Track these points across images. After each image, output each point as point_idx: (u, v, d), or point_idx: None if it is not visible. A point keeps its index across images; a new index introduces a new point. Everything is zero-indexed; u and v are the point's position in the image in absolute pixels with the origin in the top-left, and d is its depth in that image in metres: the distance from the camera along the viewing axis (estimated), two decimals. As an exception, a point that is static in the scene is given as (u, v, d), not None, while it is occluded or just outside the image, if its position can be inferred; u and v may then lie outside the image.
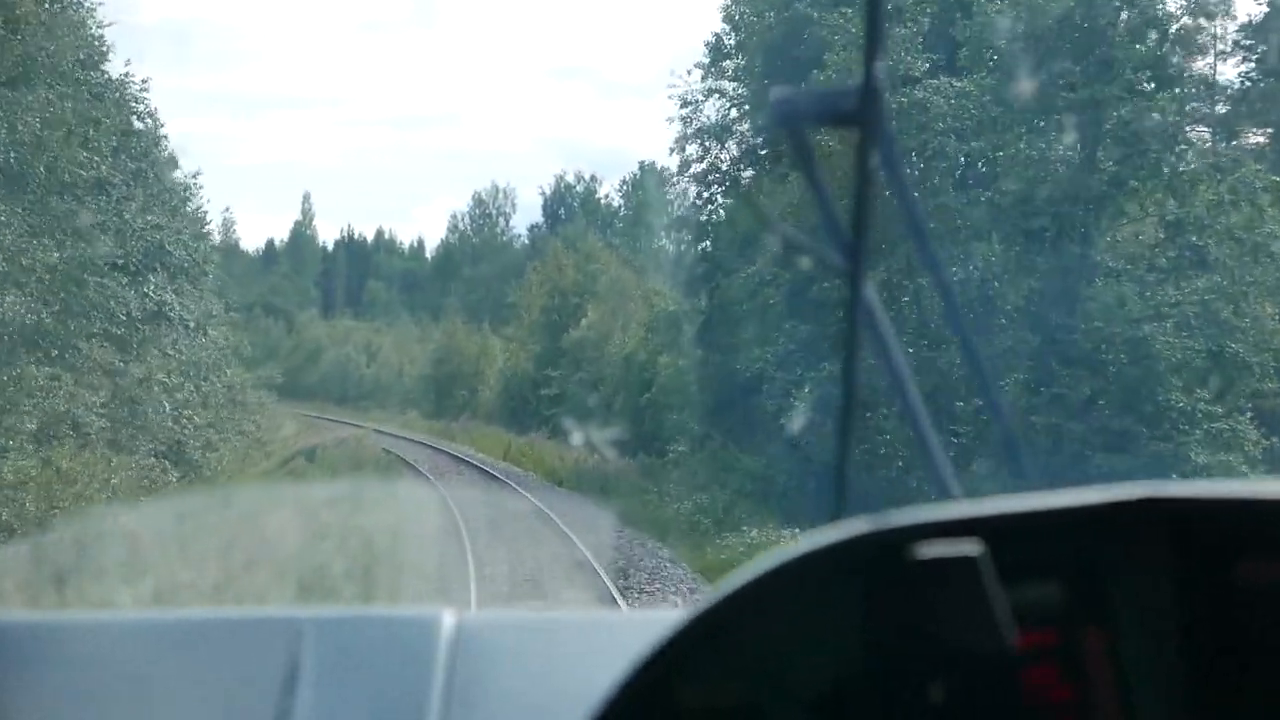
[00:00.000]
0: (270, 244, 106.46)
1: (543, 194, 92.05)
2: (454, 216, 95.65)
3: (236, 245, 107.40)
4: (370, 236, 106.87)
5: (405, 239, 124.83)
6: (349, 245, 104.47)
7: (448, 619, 1.60)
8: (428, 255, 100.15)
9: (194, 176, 35.27)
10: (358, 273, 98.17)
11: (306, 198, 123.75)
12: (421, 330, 70.58)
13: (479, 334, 61.07)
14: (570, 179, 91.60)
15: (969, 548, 0.96)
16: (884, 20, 1.21)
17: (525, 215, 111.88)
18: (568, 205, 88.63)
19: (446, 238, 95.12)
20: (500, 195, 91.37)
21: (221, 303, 35.80)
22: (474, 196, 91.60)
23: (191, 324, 29.26)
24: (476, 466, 34.16)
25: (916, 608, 0.98)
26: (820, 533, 1.02)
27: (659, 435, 31.69)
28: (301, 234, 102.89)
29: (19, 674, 1.55)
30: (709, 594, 1.03)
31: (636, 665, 1.02)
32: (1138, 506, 1.04)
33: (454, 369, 56.91)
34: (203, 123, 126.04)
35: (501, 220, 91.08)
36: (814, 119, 1.25)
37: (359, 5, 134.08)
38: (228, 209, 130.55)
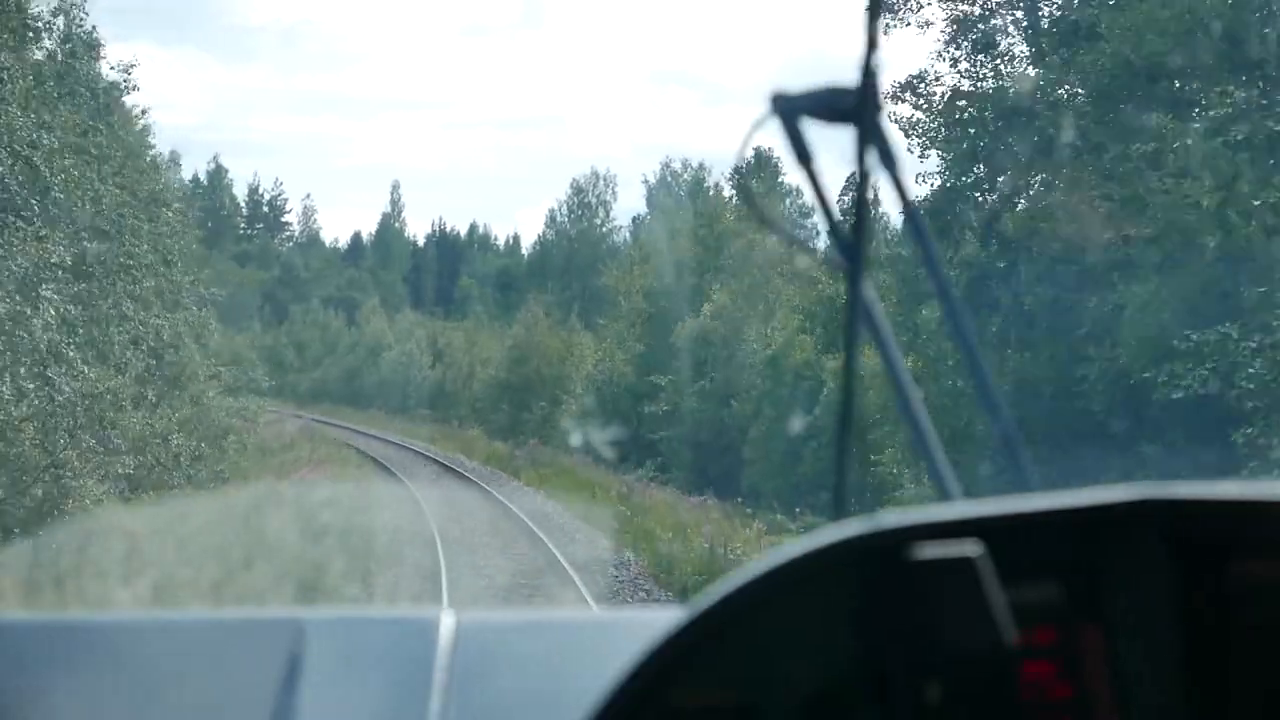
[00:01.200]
0: (356, 237, 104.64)
1: (646, 182, 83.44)
2: (551, 211, 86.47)
3: (317, 236, 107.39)
4: (464, 231, 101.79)
5: (501, 235, 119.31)
6: (440, 240, 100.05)
7: (447, 619, 1.60)
8: (524, 252, 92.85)
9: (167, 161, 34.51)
10: (449, 270, 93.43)
11: (396, 187, 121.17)
12: (502, 328, 57.73)
13: (564, 330, 48.63)
14: (677, 166, 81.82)
15: (967, 548, 0.96)
16: (882, 18, 1.21)
17: (626, 213, 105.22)
18: (675, 195, 78.90)
19: (543, 233, 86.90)
20: (600, 182, 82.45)
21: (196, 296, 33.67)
22: (572, 184, 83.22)
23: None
24: (551, 551, 18.99)
25: (915, 608, 0.98)
26: (819, 533, 1.02)
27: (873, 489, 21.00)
28: (389, 227, 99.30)
29: (18, 674, 1.55)
30: (707, 594, 1.03)
31: (635, 665, 1.02)
32: (1136, 507, 1.04)
33: (531, 372, 44.92)
34: (308, 122, 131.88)
35: (601, 210, 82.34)
36: (812, 116, 1.25)
37: (464, 9, 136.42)
38: (308, 196, 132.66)
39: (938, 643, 0.99)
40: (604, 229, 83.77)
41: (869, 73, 1.20)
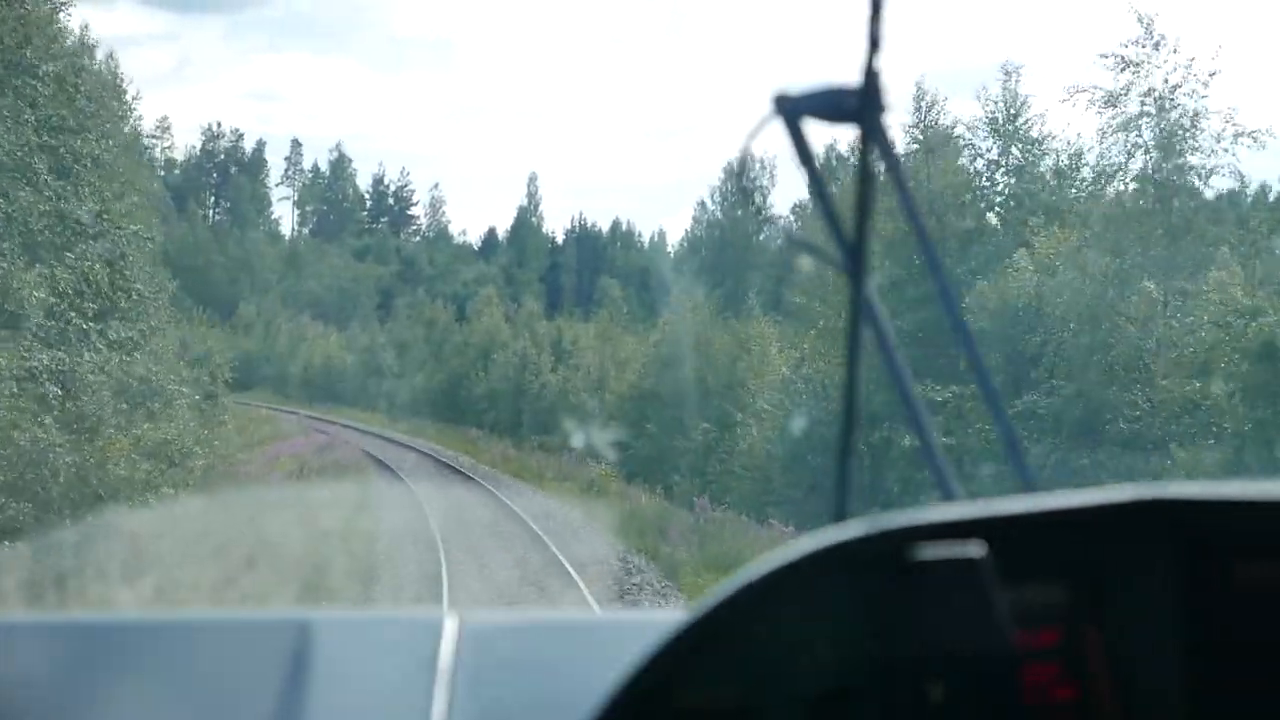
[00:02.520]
0: (491, 233, 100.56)
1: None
2: (700, 205, 76.08)
3: (445, 229, 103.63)
4: (605, 228, 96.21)
5: (645, 232, 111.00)
6: (580, 238, 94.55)
7: (450, 621, 1.59)
8: (669, 251, 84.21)
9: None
10: (589, 269, 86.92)
11: (533, 179, 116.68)
12: (645, 329, 45.31)
13: (737, 319, 36.91)
14: (843, 150, 76.63)
15: (970, 549, 0.96)
16: (885, 18, 1.19)
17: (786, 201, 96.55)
18: (839, 182, 74.54)
19: (691, 229, 77.74)
20: (758, 166, 71.31)
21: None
22: (725, 168, 73.13)
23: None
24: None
25: (917, 608, 0.98)
26: (822, 534, 1.02)
27: None
28: (525, 221, 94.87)
29: (21, 675, 1.56)
30: (710, 595, 1.03)
31: (638, 666, 1.03)
32: (1138, 507, 1.04)
33: (687, 377, 31.69)
34: (455, 126, 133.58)
35: (759, 197, 72.61)
36: (815, 116, 1.24)
37: (611, 17, 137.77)
38: (436, 186, 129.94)
39: (941, 643, 0.99)
40: (761, 216, 74.34)
41: (872, 73, 1.20)
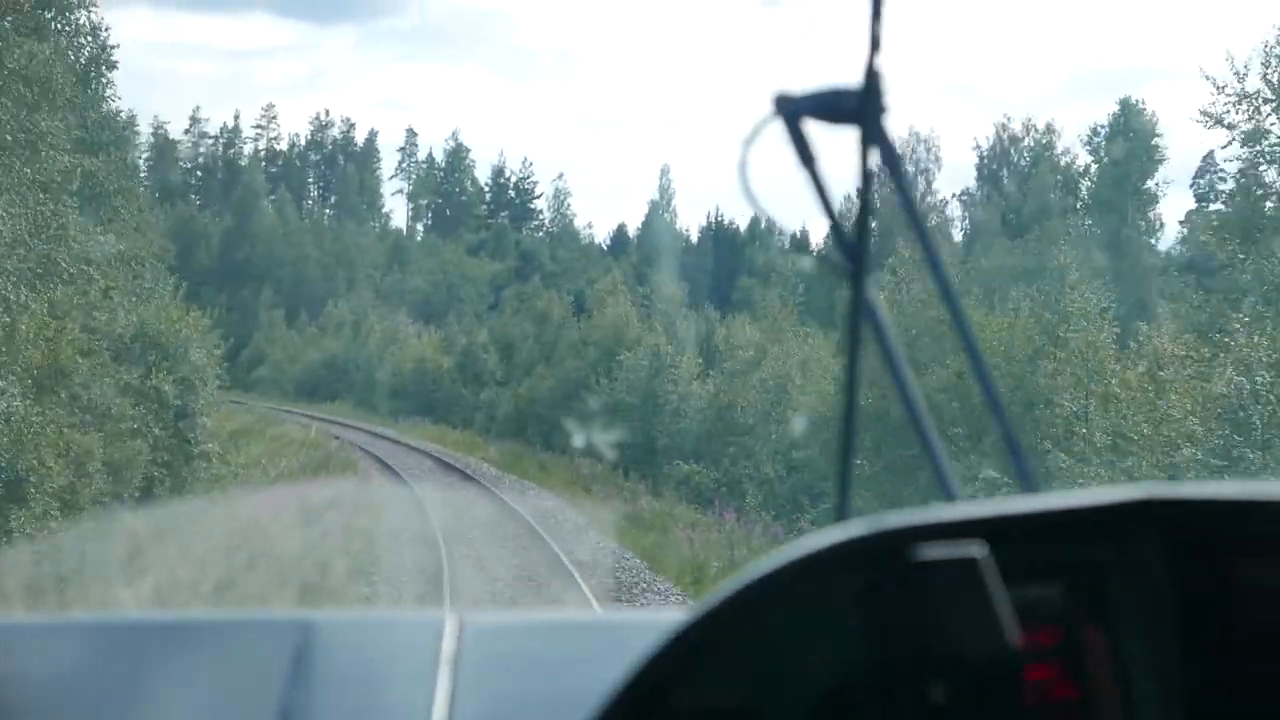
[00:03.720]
0: (621, 229, 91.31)
1: (977, 148, 67.12)
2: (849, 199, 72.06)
3: (569, 224, 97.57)
4: (743, 225, 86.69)
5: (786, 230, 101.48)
6: (717, 235, 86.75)
7: (450, 621, 1.59)
8: (811, 248, 74.12)
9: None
10: (725, 268, 78.14)
11: (665, 171, 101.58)
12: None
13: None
14: (1016, 129, 66.06)
15: (971, 549, 0.96)
16: (884, 19, 1.20)
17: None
18: (1011, 166, 66.00)
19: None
20: (920, 145, 65.52)
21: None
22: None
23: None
24: None
25: (918, 609, 0.99)
26: (822, 534, 1.02)
27: None
28: (658, 217, 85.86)
29: (21, 676, 1.56)
30: (711, 596, 1.04)
31: (638, 667, 1.03)
32: (1138, 507, 1.05)
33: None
34: (581, 132, 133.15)
35: (922, 180, 66.00)
36: (815, 117, 1.25)
37: (741, 15, 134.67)
38: (560, 176, 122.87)
39: (942, 643, 1.00)
40: (926, 202, 64.83)
41: (872, 74, 1.20)
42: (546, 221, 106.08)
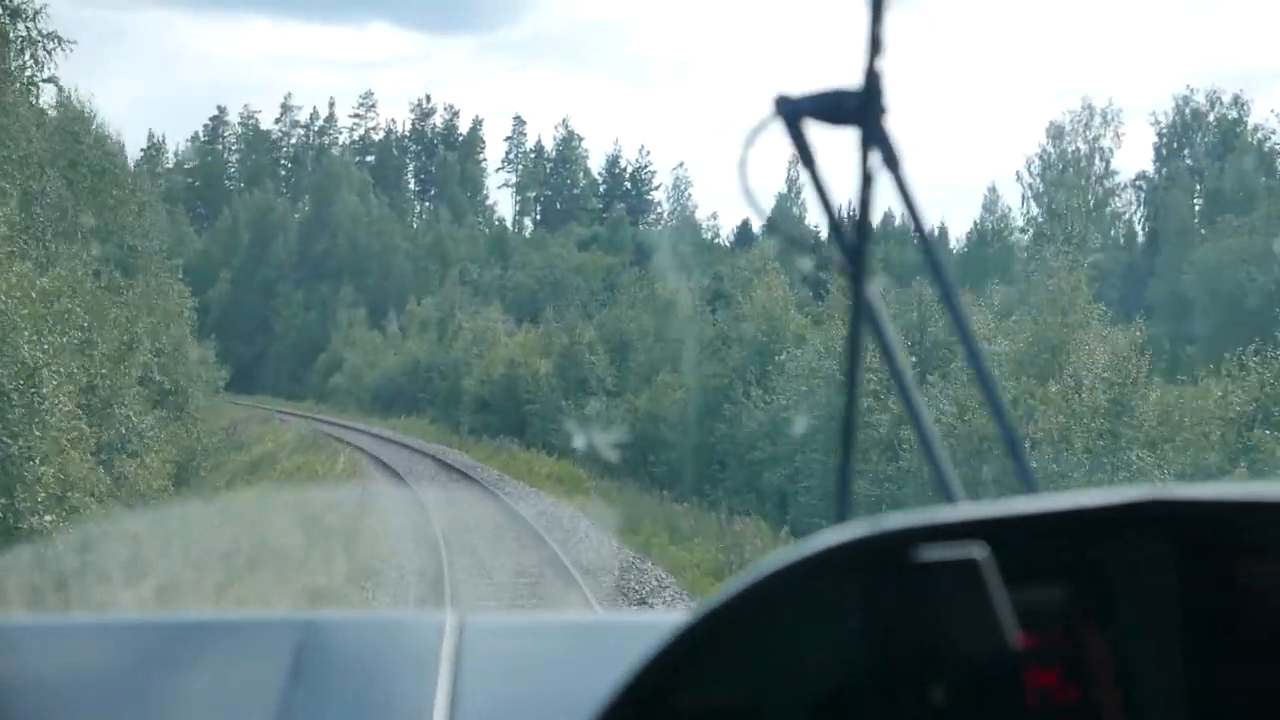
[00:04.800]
0: (745, 224, 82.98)
1: (1155, 123, 58.61)
2: (1018, 173, 59.18)
3: (690, 217, 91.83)
4: (877, 222, 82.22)
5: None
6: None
7: (450, 622, 1.59)
8: (951, 242, 66.53)
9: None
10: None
11: (792, 164, 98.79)
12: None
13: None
14: (1200, 100, 58.06)
15: (972, 550, 0.96)
16: (885, 19, 1.20)
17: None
18: (1194, 144, 57.79)
19: (982, 218, 61.29)
20: (1097, 119, 53.21)
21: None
22: (1050, 128, 53.74)
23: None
24: None
25: (919, 610, 0.98)
26: (823, 535, 1.02)
27: None
28: (786, 209, 77.11)
29: (22, 677, 1.56)
30: (712, 597, 1.03)
31: (639, 668, 1.03)
32: (1140, 508, 1.04)
33: None
34: (702, 138, 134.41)
35: (1098, 161, 53.85)
36: (815, 118, 1.25)
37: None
38: (680, 165, 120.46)
39: (942, 645, 0.99)
40: (1101, 187, 54.77)
41: (873, 75, 1.20)
42: (665, 214, 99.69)
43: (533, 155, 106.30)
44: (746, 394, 27.44)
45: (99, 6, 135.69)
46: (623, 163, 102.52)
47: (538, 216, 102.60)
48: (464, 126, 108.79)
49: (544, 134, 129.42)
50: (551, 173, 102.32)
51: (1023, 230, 54.50)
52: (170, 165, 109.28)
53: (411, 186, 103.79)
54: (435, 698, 1.45)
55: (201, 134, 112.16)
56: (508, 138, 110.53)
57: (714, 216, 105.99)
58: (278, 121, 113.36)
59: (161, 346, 29.25)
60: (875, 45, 1.19)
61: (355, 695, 1.48)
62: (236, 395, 69.43)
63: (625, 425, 32.16)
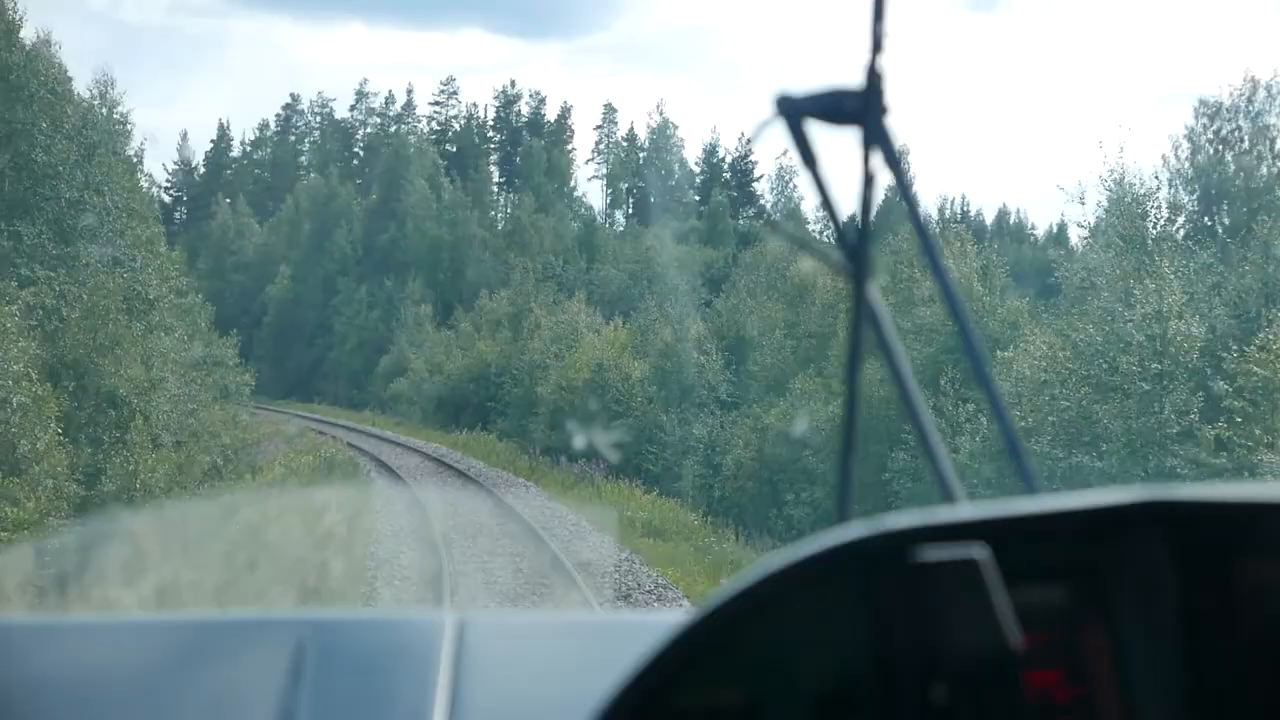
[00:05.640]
0: (851, 219, 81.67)
1: None
2: (1165, 158, 52.73)
3: (795, 210, 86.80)
4: (990, 218, 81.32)
5: (1042, 221, 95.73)
6: (960, 222, 72.71)
7: (450, 621, 1.59)
8: (1072, 241, 57.93)
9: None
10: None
11: (904, 153, 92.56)
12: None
13: None
14: None
15: (973, 551, 0.96)
16: (886, 18, 1.20)
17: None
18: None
19: (1105, 219, 50.32)
20: (1259, 91, 44.68)
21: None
22: (1199, 105, 43.63)
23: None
24: None
25: (920, 611, 0.98)
26: (824, 535, 1.01)
27: None
28: (893, 203, 70.41)
29: (22, 676, 1.56)
30: (713, 596, 1.03)
31: (640, 667, 1.02)
32: (1141, 509, 1.04)
33: None
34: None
35: (1262, 143, 44.76)
36: (817, 118, 1.24)
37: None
38: (784, 153, 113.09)
39: (943, 645, 0.99)
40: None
41: (874, 75, 1.20)
42: (769, 205, 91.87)
43: (625, 144, 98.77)
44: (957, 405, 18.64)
45: (194, 13, 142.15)
46: (721, 152, 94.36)
47: (629, 210, 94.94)
48: (551, 114, 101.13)
49: (637, 123, 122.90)
50: (645, 163, 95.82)
51: (1170, 220, 43.95)
52: (237, 154, 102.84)
53: (495, 178, 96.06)
54: (435, 697, 1.46)
55: (273, 124, 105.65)
56: (597, 126, 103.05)
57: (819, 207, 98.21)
58: (352, 109, 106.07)
59: (99, 340, 21.21)
60: (877, 44, 1.19)
61: (355, 694, 1.48)
62: (293, 405, 61.25)
63: (751, 456, 23.35)
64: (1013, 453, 1.36)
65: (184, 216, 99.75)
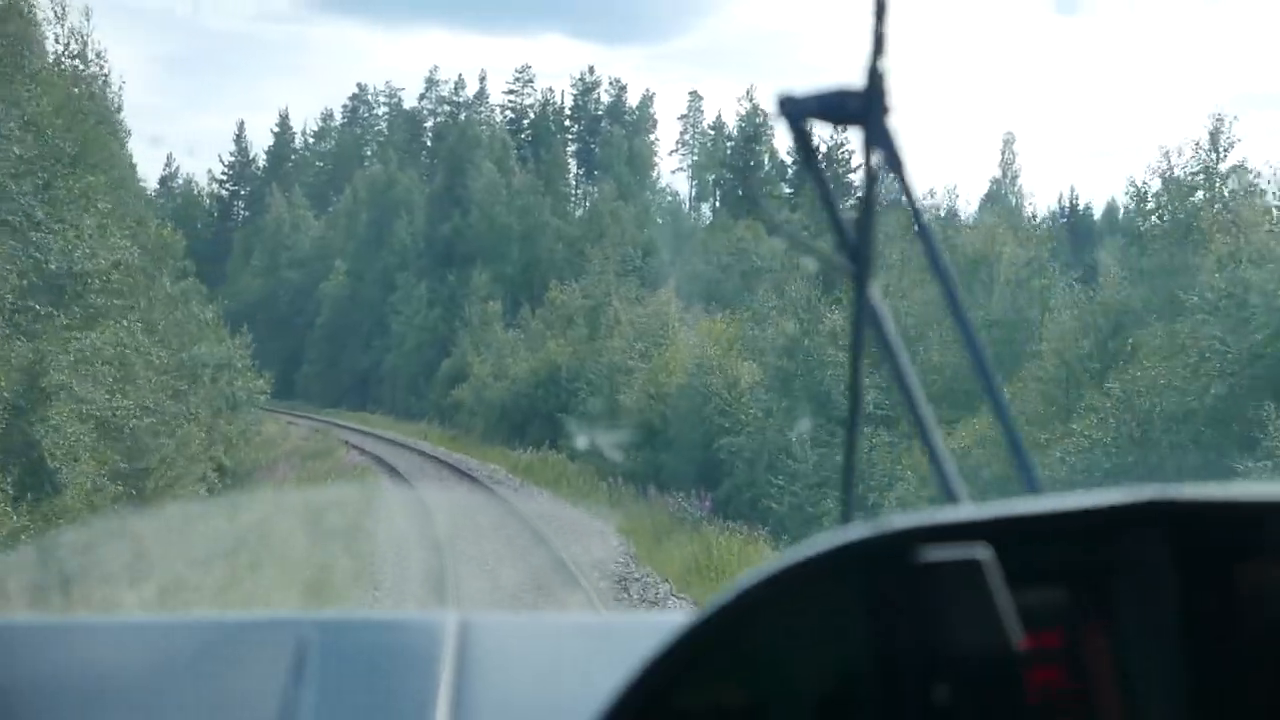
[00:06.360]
0: (952, 211, 77.64)
1: None
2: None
3: (895, 201, 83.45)
4: (1099, 209, 74.76)
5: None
6: (1067, 218, 72.39)
7: (452, 622, 1.59)
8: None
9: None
10: (1080, 261, 58.56)
11: (1009, 142, 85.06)
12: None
13: None
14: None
15: (975, 551, 0.96)
16: (888, 19, 1.20)
17: None
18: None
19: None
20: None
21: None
22: None
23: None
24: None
25: (922, 611, 0.98)
26: (827, 536, 1.01)
27: None
28: (999, 194, 66.08)
29: (25, 677, 1.56)
30: (716, 597, 1.03)
31: (642, 668, 1.02)
32: (1143, 509, 1.04)
33: None
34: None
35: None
36: (819, 118, 1.25)
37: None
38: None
39: (945, 645, 0.99)
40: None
41: (876, 75, 1.20)
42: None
43: (712, 132, 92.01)
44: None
45: (277, 20, 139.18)
46: (815, 140, 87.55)
47: (716, 202, 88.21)
48: (632, 100, 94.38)
49: (725, 111, 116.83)
50: (733, 153, 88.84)
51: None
52: (299, 145, 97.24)
53: (573, 169, 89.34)
54: (438, 697, 1.46)
55: (338, 115, 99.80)
56: (682, 116, 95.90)
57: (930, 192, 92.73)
58: (422, 98, 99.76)
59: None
60: (878, 44, 1.19)
61: (358, 695, 1.49)
62: (341, 414, 54.38)
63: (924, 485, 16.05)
64: (1016, 453, 1.35)
65: (242, 212, 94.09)
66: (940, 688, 1.02)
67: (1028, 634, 0.98)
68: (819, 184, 1.31)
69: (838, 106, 1.22)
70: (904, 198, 1.32)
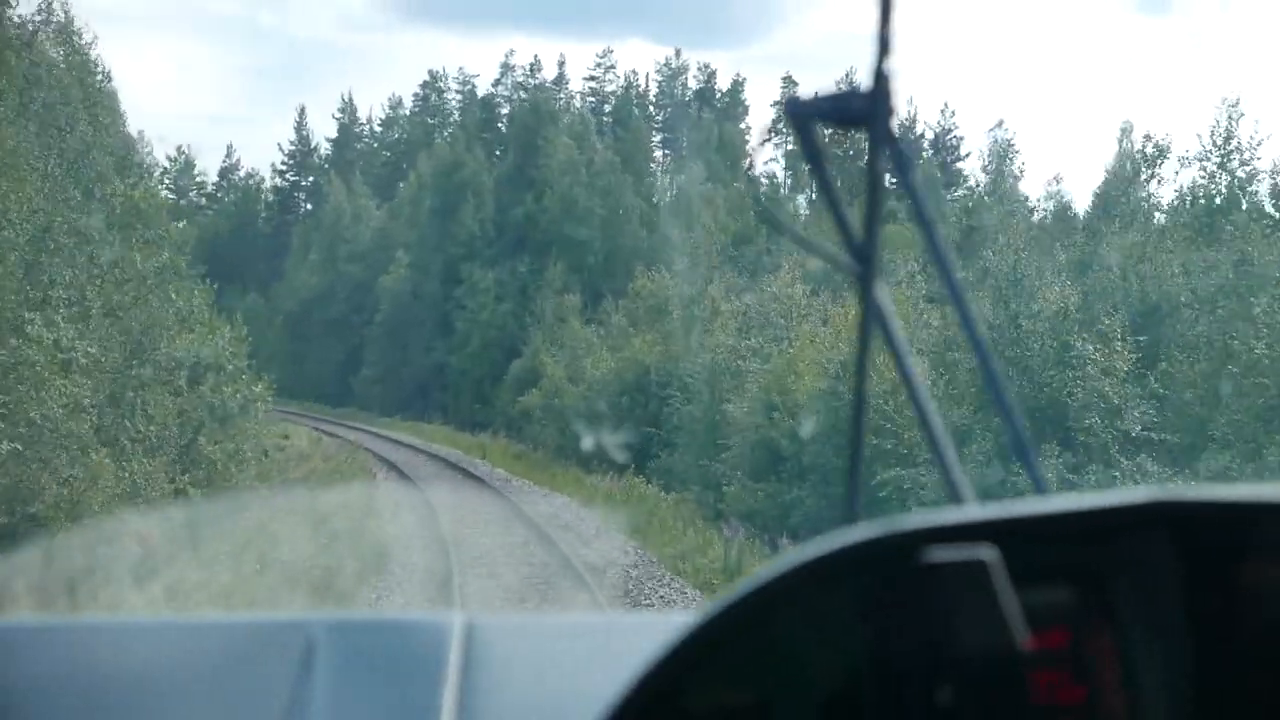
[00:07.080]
0: (1064, 207, 70.83)
1: None
2: None
3: (1011, 190, 75.39)
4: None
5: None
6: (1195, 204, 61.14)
7: (459, 622, 1.60)
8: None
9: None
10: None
11: (1127, 131, 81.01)
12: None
13: None
14: None
15: (981, 551, 0.97)
16: (894, 21, 1.20)
17: None
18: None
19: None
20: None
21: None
22: None
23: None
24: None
25: (927, 611, 0.99)
26: (832, 536, 1.02)
27: None
28: (1119, 180, 59.34)
29: (32, 678, 1.56)
30: (721, 597, 1.03)
31: (648, 668, 1.03)
32: (1147, 509, 1.04)
33: None
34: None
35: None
36: (825, 120, 1.25)
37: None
38: (999, 125, 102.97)
39: (950, 646, 1.00)
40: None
41: (882, 77, 1.21)
42: (979, 185, 78.12)
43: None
44: None
45: (363, 29, 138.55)
46: (919, 127, 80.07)
47: (812, 194, 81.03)
48: (722, 84, 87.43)
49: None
50: (830, 139, 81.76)
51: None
52: (366, 134, 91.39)
53: (658, 157, 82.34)
54: (444, 698, 1.46)
55: (409, 104, 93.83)
56: (775, 103, 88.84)
57: (1057, 181, 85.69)
58: (497, 84, 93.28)
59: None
60: (884, 46, 1.19)
61: (364, 696, 1.49)
62: (396, 425, 47.60)
63: None
64: (1022, 454, 1.35)
65: (303, 204, 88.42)
66: (945, 688, 1.02)
67: (1032, 634, 0.98)
68: (825, 186, 1.30)
69: (843, 109, 1.22)
70: (910, 199, 1.31)
